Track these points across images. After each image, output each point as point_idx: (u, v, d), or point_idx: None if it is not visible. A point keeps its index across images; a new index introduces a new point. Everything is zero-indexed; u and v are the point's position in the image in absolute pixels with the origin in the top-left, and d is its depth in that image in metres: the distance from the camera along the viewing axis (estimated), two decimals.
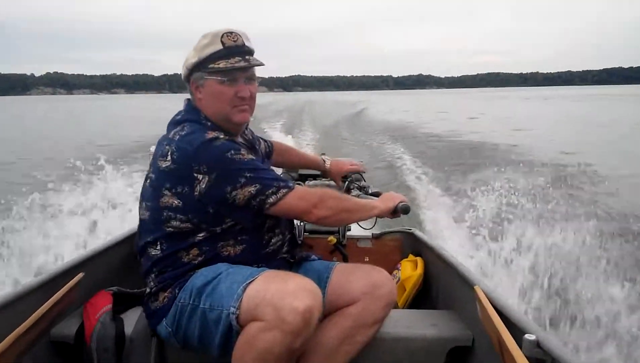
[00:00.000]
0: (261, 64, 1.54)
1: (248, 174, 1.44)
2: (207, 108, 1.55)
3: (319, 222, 1.51)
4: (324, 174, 2.17)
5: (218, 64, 1.48)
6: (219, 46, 1.49)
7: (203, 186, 1.44)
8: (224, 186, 1.43)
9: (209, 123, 1.54)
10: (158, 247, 1.51)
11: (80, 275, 1.74)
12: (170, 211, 1.50)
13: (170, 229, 1.49)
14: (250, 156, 1.48)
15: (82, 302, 1.72)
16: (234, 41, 1.50)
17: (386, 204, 1.64)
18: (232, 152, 1.44)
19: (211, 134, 1.47)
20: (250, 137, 1.75)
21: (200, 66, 1.51)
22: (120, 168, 6.30)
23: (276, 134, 14.59)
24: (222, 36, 1.49)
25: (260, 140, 1.90)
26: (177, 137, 1.49)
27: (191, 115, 1.57)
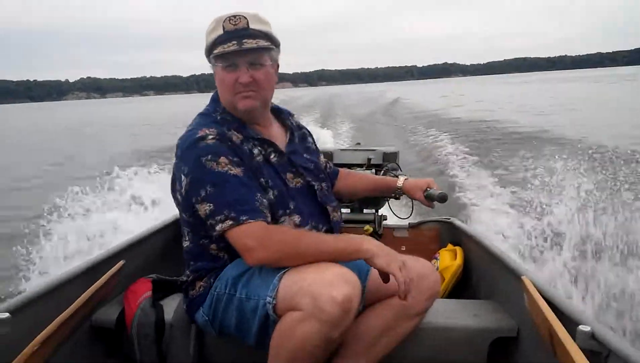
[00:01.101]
0: (257, 47, 1.43)
1: (209, 189, 1.36)
2: (220, 96, 1.52)
3: (257, 264, 1.35)
4: (398, 193, 1.90)
5: (218, 49, 1.44)
6: (220, 31, 1.44)
7: (183, 189, 1.42)
8: (191, 194, 1.39)
9: (222, 113, 1.50)
10: (187, 238, 1.51)
11: (121, 262, 1.76)
12: (178, 205, 1.51)
13: (187, 220, 1.48)
14: (230, 168, 1.37)
15: (123, 289, 1.75)
16: (234, 25, 1.44)
17: (352, 245, 1.35)
18: (209, 157, 1.37)
19: (202, 132, 1.42)
20: (293, 124, 1.68)
21: (208, 53, 1.48)
22: None
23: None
24: (224, 20, 1.45)
25: (310, 136, 1.77)
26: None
27: (210, 106, 1.55)
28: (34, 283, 3.25)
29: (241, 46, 1.42)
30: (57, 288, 1.53)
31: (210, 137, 1.41)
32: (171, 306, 1.63)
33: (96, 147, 15.63)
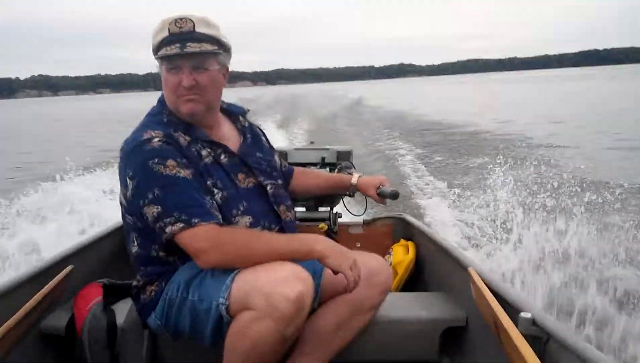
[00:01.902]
0: (200, 51, 1.41)
1: (157, 192, 1.34)
2: (165, 98, 1.51)
3: (209, 267, 1.35)
4: (352, 190, 1.93)
5: (162, 51, 1.42)
6: (166, 33, 1.43)
7: (130, 192, 1.40)
8: (137, 198, 1.37)
9: (168, 115, 1.49)
10: (135, 243, 1.49)
11: (70, 267, 1.72)
12: (124, 209, 1.48)
13: (135, 225, 1.46)
14: (178, 170, 1.36)
15: (73, 294, 1.70)
16: (180, 27, 1.42)
17: (305, 246, 1.37)
18: (156, 161, 1.35)
19: (147, 134, 1.39)
20: (245, 124, 1.67)
21: (154, 53, 1.46)
22: None
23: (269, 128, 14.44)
24: (170, 22, 1.43)
25: (264, 136, 1.77)
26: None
27: (157, 107, 1.53)
28: None
29: (183, 49, 1.40)
30: (3, 294, 1.48)
31: (157, 139, 1.39)
32: (123, 310, 1.60)
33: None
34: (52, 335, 1.63)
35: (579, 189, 4.51)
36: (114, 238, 2.10)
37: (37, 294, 1.49)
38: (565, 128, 12.60)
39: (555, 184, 4.65)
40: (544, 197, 4.23)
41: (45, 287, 1.54)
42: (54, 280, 1.60)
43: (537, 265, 3.15)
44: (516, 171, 5.53)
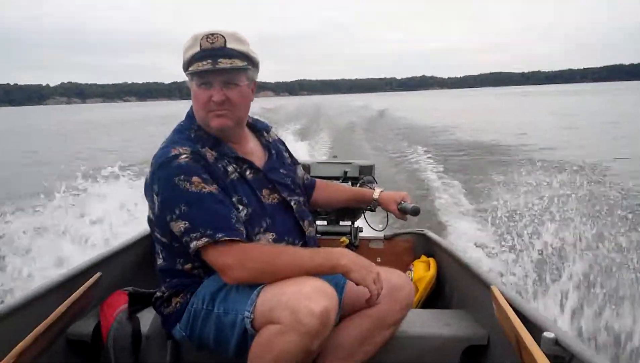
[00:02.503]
0: (232, 67, 1.43)
1: (184, 208, 1.36)
2: (195, 113, 1.53)
3: (235, 283, 1.37)
4: (373, 205, 1.95)
5: (193, 67, 1.44)
6: (197, 48, 1.45)
7: (156, 208, 1.44)
8: (165, 213, 1.40)
9: (196, 131, 1.51)
10: (161, 256, 1.51)
11: (98, 274, 1.76)
12: (151, 223, 1.51)
13: (160, 239, 1.49)
14: (203, 186, 1.38)
15: (99, 302, 1.74)
16: (211, 43, 1.44)
17: (330, 261, 1.37)
18: (182, 177, 1.37)
19: (175, 151, 1.42)
20: (270, 140, 1.69)
21: (185, 68, 1.49)
22: None
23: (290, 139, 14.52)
24: (202, 38, 1.45)
25: (287, 151, 1.78)
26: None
27: (185, 122, 1.55)
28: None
29: (215, 65, 1.42)
30: (32, 301, 1.52)
31: (184, 156, 1.41)
32: (148, 318, 1.63)
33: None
34: (79, 341, 1.66)
35: None
36: (141, 247, 2.14)
37: (66, 301, 1.53)
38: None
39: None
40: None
41: (74, 294, 1.58)
42: (82, 287, 1.64)
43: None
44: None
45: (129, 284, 1.81)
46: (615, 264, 3.20)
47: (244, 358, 1.34)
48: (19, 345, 1.23)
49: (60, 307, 1.48)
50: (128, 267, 2.07)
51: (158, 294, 1.54)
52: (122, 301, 1.70)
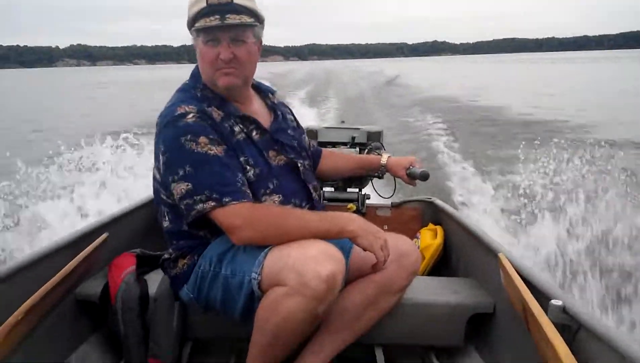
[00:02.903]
0: (240, 23, 1.40)
1: (188, 169, 1.34)
2: (201, 71, 1.50)
3: (243, 243, 1.37)
4: (381, 171, 1.92)
5: (199, 23, 1.40)
6: (204, 4, 1.40)
7: (161, 167, 1.42)
8: (167, 173, 1.38)
9: (202, 90, 1.48)
10: (167, 218, 1.51)
11: (105, 235, 1.76)
12: (156, 183, 1.49)
13: (166, 200, 1.48)
14: (210, 148, 1.36)
15: (107, 263, 1.75)
16: None
17: (337, 226, 1.37)
18: (188, 137, 1.35)
19: (181, 109, 1.39)
20: (275, 102, 1.67)
21: (190, 25, 1.45)
22: None
23: (298, 105, 14.34)
24: None
25: (292, 115, 1.76)
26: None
27: (190, 81, 1.52)
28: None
29: (224, 21, 1.39)
30: (41, 259, 1.53)
31: (190, 115, 1.39)
32: (155, 281, 1.64)
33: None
34: (87, 301, 1.68)
35: None
36: (148, 209, 2.14)
37: (73, 260, 1.53)
38: None
39: None
40: None
41: (81, 254, 1.58)
42: (89, 247, 1.65)
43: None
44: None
45: (137, 246, 1.83)
46: None
47: (251, 320, 1.35)
48: (27, 302, 1.24)
49: (67, 266, 1.49)
50: (136, 229, 2.08)
51: (166, 256, 1.55)
52: (130, 262, 1.71)
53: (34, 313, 1.26)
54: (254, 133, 1.51)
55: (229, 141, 1.43)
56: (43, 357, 1.46)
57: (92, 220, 1.94)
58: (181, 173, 1.36)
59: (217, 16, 1.39)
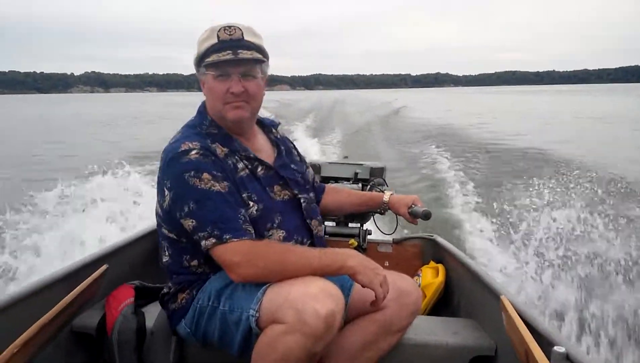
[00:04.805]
0: (251, 58, 1.44)
1: (192, 206, 1.36)
2: (208, 106, 1.53)
3: (242, 281, 1.36)
4: (384, 208, 1.92)
5: (211, 58, 1.44)
6: (214, 40, 1.45)
7: (167, 203, 1.43)
8: (174, 209, 1.40)
9: (208, 127, 1.50)
10: (167, 253, 1.51)
11: (104, 267, 1.76)
12: (159, 218, 1.51)
13: (167, 235, 1.49)
14: (213, 184, 1.37)
15: (105, 294, 1.74)
16: (229, 35, 1.45)
17: (337, 262, 1.36)
18: (192, 173, 1.37)
19: (185, 146, 1.41)
20: (278, 136, 1.69)
21: (199, 61, 1.48)
22: None
23: (301, 136, 14.38)
24: (219, 30, 1.45)
25: (295, 149, 1.78)
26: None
27: (196, 118, 1.55)
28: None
29: (236, 55, 1.43)
30: (38, 291, 1.52)
31: (194, 151, 1.41)
32: (153, 313, 1.63)
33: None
34: (84, 333, 1.67)
35: None
36: (148, 241, 2.14)
37: (71, 292, 1.53)
38: None
39: None
40: None
41: (80, 286, 1.58)
42: (88, 279, 1.64)
43: None
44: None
45: (136, 278, 1.82)
46: None
47: (248, 357, 1.34)
48: (24, 334, 1.23)
49: (66, 298, 1.48)
50: (135, 261, 2.07)
51: (165, 290, 1.55)
52: (128, 295, 1.71)
53: (31, 345, 1.25)
54: (258, 169, 1.52)
55: (232, 177, 1.44)
56: None
57: (92, 251, 1.93)
58: (186, 209, 1.37)
59: (229, 51, 1.43)
